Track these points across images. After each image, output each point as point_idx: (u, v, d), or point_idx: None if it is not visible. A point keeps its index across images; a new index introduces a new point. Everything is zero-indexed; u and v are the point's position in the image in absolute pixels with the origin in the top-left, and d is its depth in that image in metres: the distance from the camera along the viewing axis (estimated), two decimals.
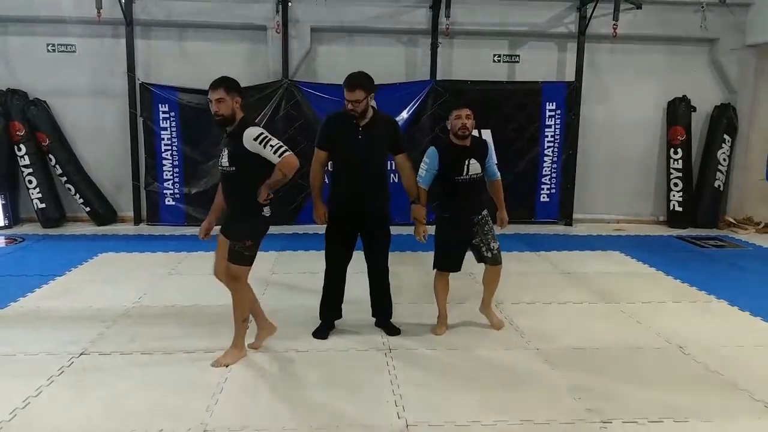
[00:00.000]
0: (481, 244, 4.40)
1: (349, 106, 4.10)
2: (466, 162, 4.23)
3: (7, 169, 8.27)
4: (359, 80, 4.10)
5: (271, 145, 3.64)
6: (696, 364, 4.11)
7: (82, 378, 3.73)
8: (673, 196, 9.03)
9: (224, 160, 3.78)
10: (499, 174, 4.56)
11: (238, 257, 3.77)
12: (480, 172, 4.31)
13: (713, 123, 9.05)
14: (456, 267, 4.44)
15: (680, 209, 9.00)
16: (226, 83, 3.74)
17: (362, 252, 4.44)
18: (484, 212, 4.43)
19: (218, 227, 4.04)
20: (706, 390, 3.73)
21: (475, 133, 4.36)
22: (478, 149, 4.35)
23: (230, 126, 3.77)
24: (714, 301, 5.48)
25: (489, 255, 4.42)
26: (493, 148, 4.45)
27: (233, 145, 3.73)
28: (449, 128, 4.29)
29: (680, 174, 8.96)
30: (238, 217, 3.83)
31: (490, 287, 4.60)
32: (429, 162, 4.25)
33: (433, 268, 4.49)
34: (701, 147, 9.21)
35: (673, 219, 9.05)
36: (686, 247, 7.89)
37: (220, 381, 3.69)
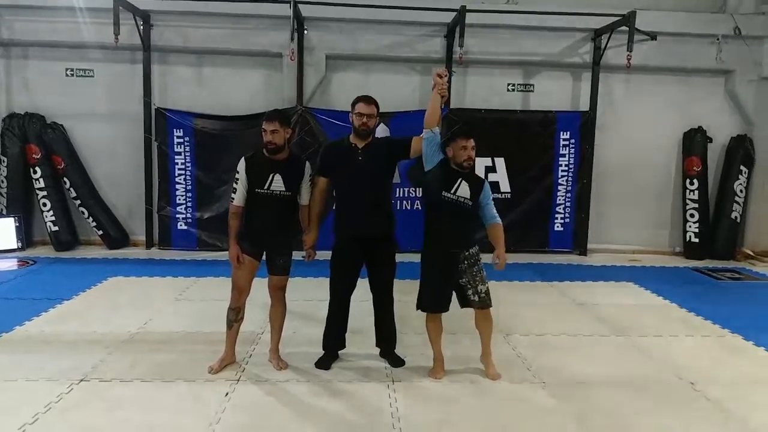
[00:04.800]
0: (468, 286, 4.11)
1: (364, 119, 4.12)
2: (459, 180, 4.02)
3: (22, 191, 8.39)
4: (374, 98, 4.24)
5: (308, 185, 4.22)
6: (706, 401, 3.99)
7: (80, 406, 3.69)
8: (690, 227, 8.89)
9: (279, 185, 4.06)
10: (498, 218, 4.17)
11: (288, 269, 4.27)
12: (469, 197, 4.02)
13: (729, 154, 8.96)
14: (440, 307, 4.15)
15: (697, 240, 8.86)
16: (279, 116, 4.08)
17: (367, 280, 4.38)
18: (473, 250, 4.12)
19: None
20: (714, 428, 3.63)
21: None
22: (474, 180, 4.10)
23: (281, 153, 4.07)
24: (728, 335, 5.34)
25: (476, 298, 4.13)
26: (489, 190, 4.16)
27: (292, 172, 4.11)
28: (450, 156, 4.05)
29: (696, 205, 8.85)
30: (286, 234, 4.25)
31: (485, 333, 4.28)
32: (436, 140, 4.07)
33: (417, 309, 4.24)
34: (718, 178, 9.10)
35: (689, 250, 8.91)
36: (702, 279, 7.73)
37: (218, 411, 3.64)
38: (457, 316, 4.33)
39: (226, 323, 4.29)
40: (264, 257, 4.24)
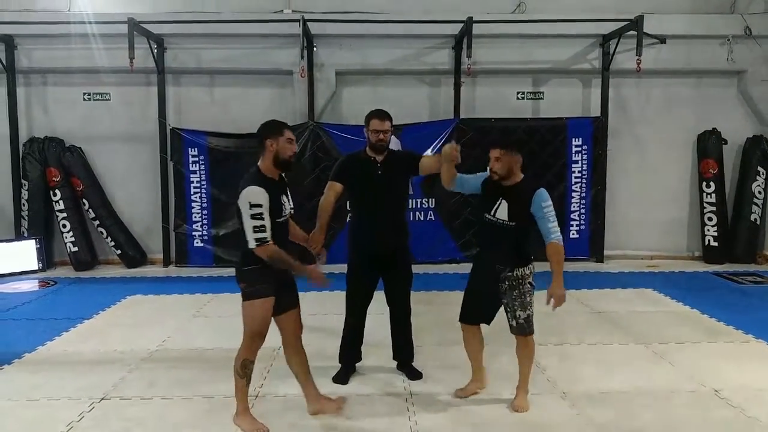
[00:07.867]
0: (507, 309, 3.90)
1: (380, 136, 4.14)
2: (499, 200, 3.80)
3: (43, 213, 8.55)
4: (387, 112, 4.24)
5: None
6: (732, 408, 3.93)
7: (101, 424, 3.74)
8: (708, 230, 8.79)
9: (288, 206, 3.60)
10: (555, 235, 3.71)
11: None
12: (507, 219, 3.77)
13: (746, 155, 8.86)
14: (473, 319, 4.01)
15: (716, 244, 8.74)
16: None
17: (383, 292, 4.39)
18: (519, 272, 3.83)
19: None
20: None
21: None
22: (519, 194, 3.77)
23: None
24: (752, 340, 5.26)
25: (513, 323, 3.90)
26: (542, 201, 3.74)
27: (288, 188, 3.68)
28: None
29: (714, 208, 8.74)
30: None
31: (520, 361, 3.99)
32: (479, 176, 3.97)
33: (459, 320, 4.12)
34: (735, 180, 9.01)
35: (708, 254, 8.80)
36: (722, 283, 7.62)
37: (237, 428, 3.66)
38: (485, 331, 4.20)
39: (240, 375, 3.62)
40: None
